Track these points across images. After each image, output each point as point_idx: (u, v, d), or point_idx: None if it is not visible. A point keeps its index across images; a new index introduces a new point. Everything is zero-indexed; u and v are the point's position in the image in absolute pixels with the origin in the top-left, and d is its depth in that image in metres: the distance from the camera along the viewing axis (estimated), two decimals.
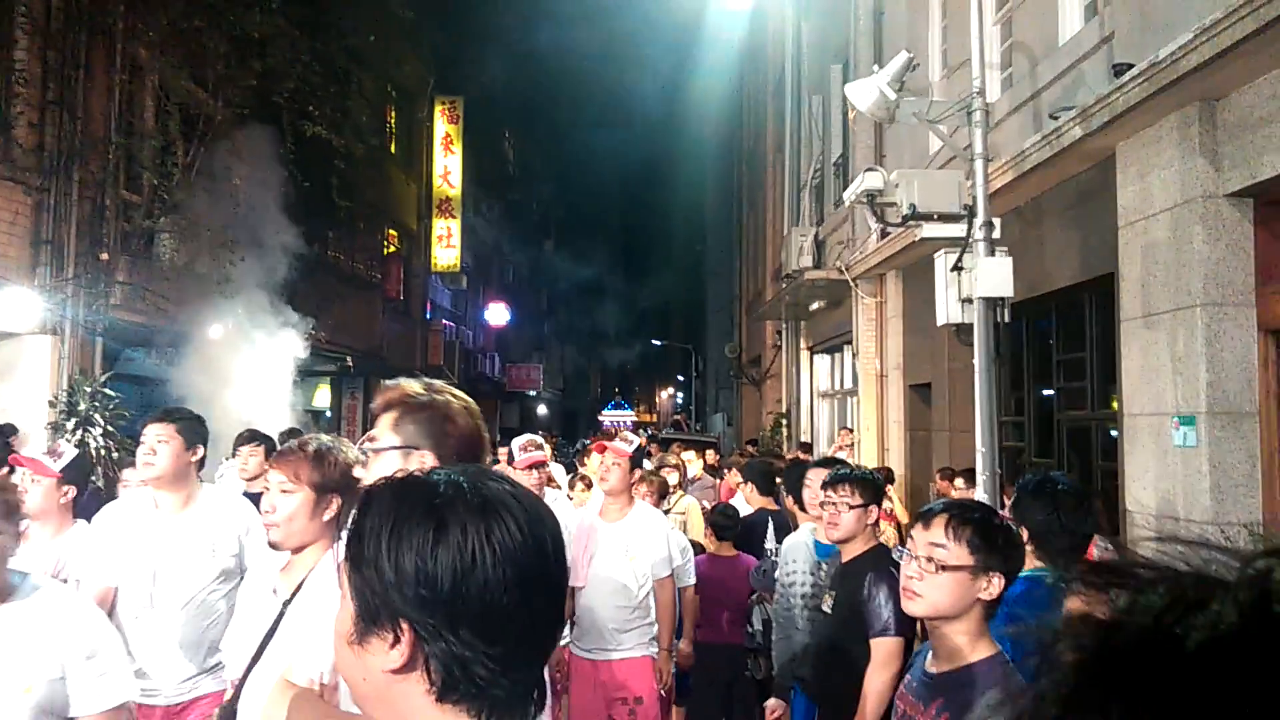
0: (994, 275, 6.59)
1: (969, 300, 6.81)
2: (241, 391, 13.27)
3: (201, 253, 12.18)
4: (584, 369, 66.27)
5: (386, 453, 2.14)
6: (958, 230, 6.93)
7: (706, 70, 29.50)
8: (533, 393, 44.18)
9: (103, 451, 10.09)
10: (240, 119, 12.81)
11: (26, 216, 10.66)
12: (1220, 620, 0.45)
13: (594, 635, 4.93)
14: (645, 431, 34.33)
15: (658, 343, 49.03)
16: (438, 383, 2.26)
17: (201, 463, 4.05)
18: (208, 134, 12.24)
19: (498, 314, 37.64)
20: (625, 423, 45.55)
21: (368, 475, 2.15)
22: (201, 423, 4.16)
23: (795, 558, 4.46)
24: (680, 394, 56.91)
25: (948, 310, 6.95)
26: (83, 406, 10.34)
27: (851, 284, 11.80)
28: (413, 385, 2.23)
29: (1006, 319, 6.83)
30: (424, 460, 2.10)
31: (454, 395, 2.25)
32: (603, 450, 5.13)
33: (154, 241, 11.91)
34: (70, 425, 10.25)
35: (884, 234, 10.48)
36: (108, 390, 10.66)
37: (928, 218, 6.91)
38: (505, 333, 40.09)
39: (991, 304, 6.67)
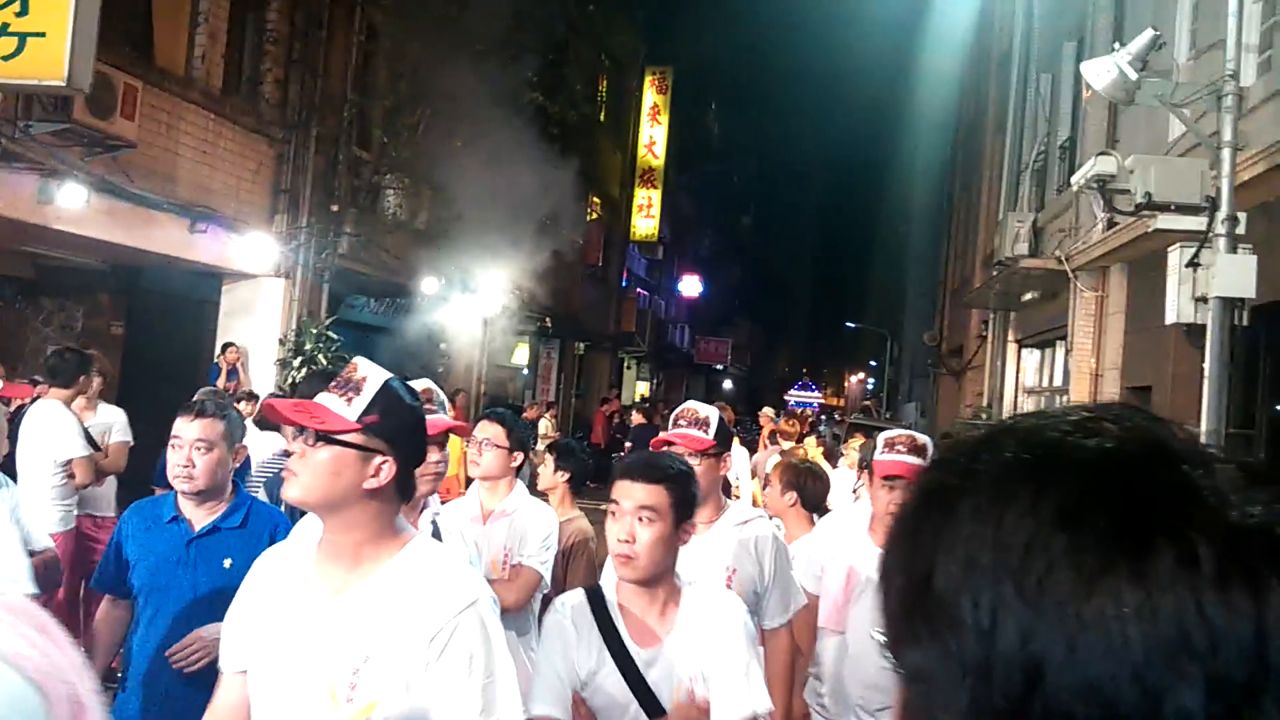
0: (1234, 274, 6.10)
1: (1203, 299, 6.34)
2: (450, 345, 13.92)
3: (421, 210, 12.82)
4: (772, 346, 65.89)
5: None
6: (1197, 223, 6.44)
7: (926, 49, 28.48)
8: (719, 367, 44.32)
9: None
10: (463, 85, 13.36)
11: (268, 167, 11.53)
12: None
13: (853, 700, 3.43)
14: (834, 416, 33.76)
15: (851, 325, 48.07)
16: None
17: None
18: (434, 96, 12.84)
19: (691, 286, 37.88)
20: (811, 405, 44.95)
21: None
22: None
23: None
24: (871, 380, 55.66)
25: (1178, 309, 6.51)
26: (308, 346, 11.14)
27: (1070, 275, 11.16)
28: None
29: (1244, 322, 6.32)
30: None
31: None
32: (897, 476, 3.31)
33: (379, 196, 12.63)
34: (296, 363, 11.07)
35: (1111, 224, 9.85)
36: (331, 333, 11.44)
37: (1164, 208, 6.44)
38: (697, 305, 40.31)
39: (1229, 305, 6.18)
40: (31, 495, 4.69)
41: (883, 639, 0.59)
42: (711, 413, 3.31)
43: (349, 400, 1.92)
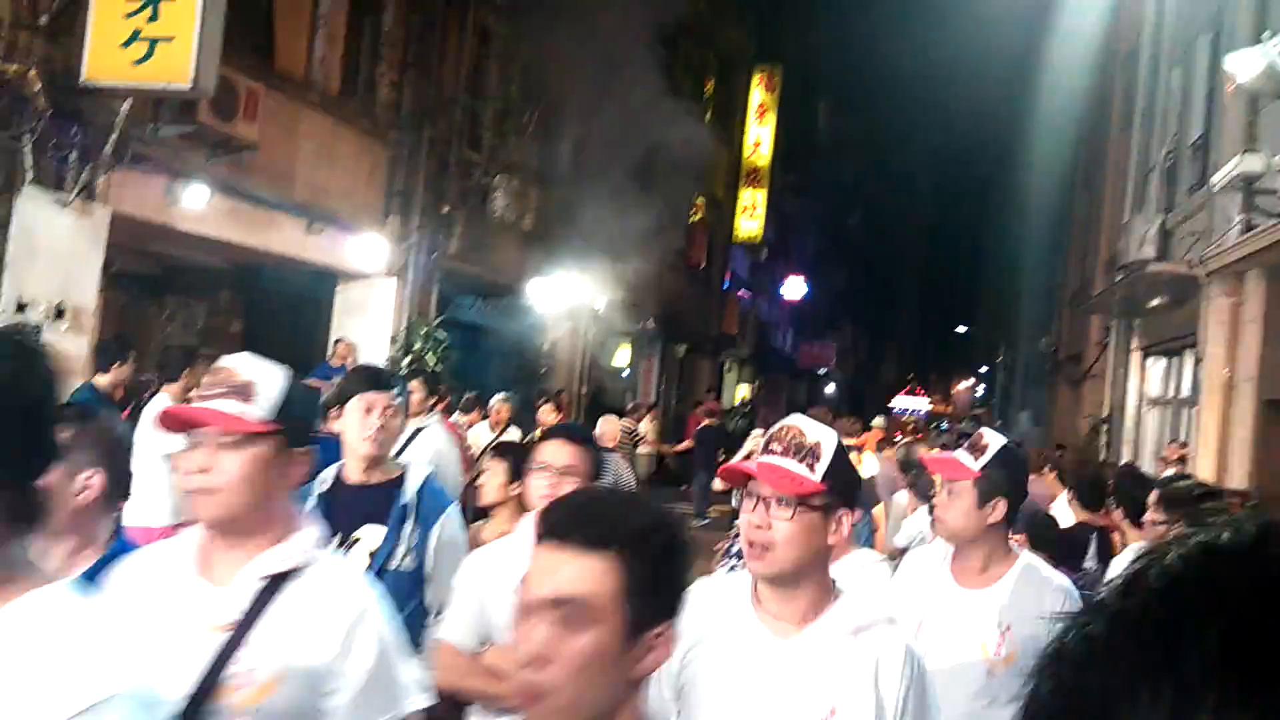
0: None
1: None
2: (554, 346, 13.93)
3: (528, 211, 12.91)
4: (878, 351, 64.70)
5: None
6: None
7: (1048, 45, 27.55)
8: (823, 371, 43.70)
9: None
10: (572, 87, 13.41)
11: (382, 169, 11.75)
12: None
13: None
14: (941, 425, 32.93)
15: (962, 329, 46.86)
16: None
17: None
18: (543, 99, 12.93)
19: (795, 288, 37.38)
20: (919, 412, 43.95)
21: None
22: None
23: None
24: (981, 387, 54.21)
25: None
26: (418, 346, 11.32)
27: (1203, 281, 10.57)
28: None
29: None
30: None
31: None
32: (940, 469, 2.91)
33: (488, 198, 12.76)
34: (405, 361, 11.25)
35: (1249, 226, 9.28)
36: (439, 333, 11.61)
37: None
38: (800, 307, 39.79)
39: None
40: (143, 488, 4.86)
41: None
42: (825, 438, 1.97)
43: None
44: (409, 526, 2.92)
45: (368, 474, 2.98)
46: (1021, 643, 2.62)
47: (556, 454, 2.71)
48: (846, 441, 6.64)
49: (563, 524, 1.35)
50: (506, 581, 2.43)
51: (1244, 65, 6.19)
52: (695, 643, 1.93)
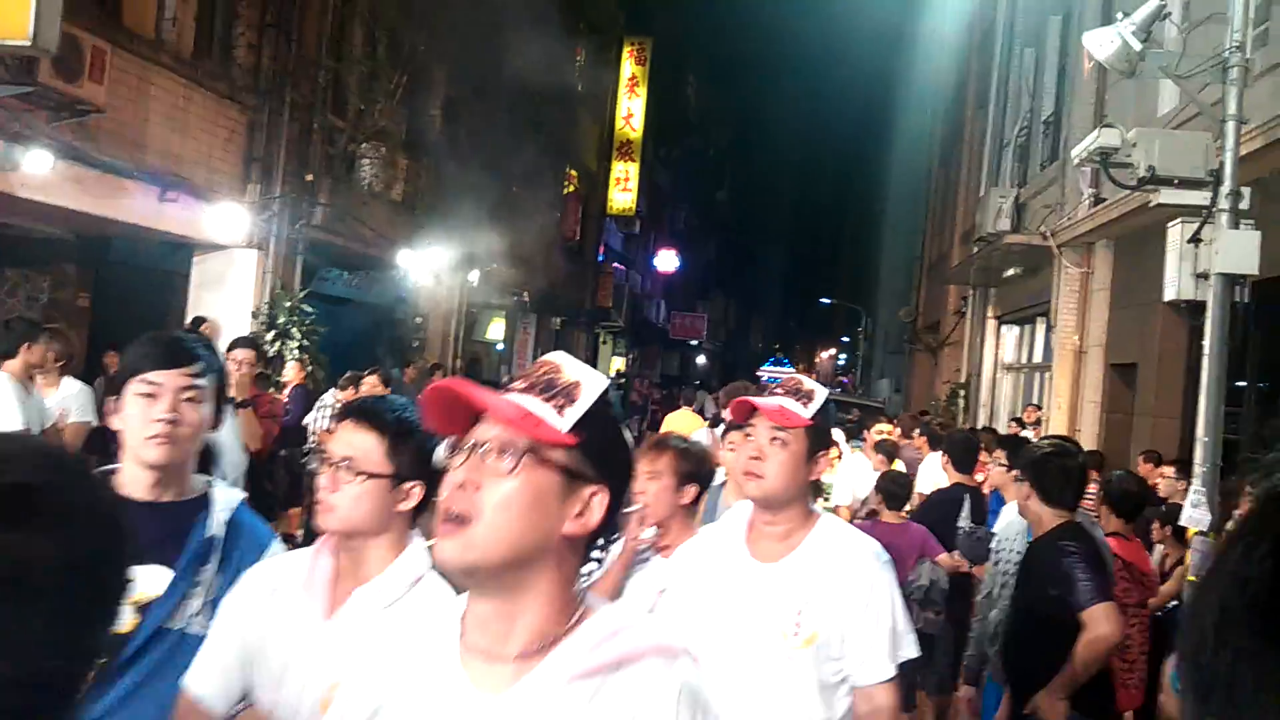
0: (1238, 250, 6.02)
1: (1204, 276, 6.27)
2: (426, 319, 13.60)
3: (397, 180, 12.53)
4: (746, 322, 65.87)
5: None
6: (1199, 198, 6.36)
7: (908, 24, 28.35)
8: (694, 342, 44.24)
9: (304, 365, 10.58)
10: (440, 52, 13.03)
11: (241, 135, 11.19)
12: None
13: None
14: None
15: (826, 301, 48.12)
16: None
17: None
18: (411, 63, 12.52)
19: (667, 261, 37.68)
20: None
21: None
22: None
23: (1009, 537, 4.22)
24: (844, 355, 55.85)
25: (1179, 285, 6.42)
26: (281, 319, 10.88)
27: (1055, 251, 11.11)
28: None
29: (1245, 299, 6.27)
30: None
31: None
32: (744, 413, 2.39)
33: (354, 166, 12.32)
34: (269, 337, 10.80)
35: (1098, 199, 9.78)
36: (305, 306, 11.18)
37: (1167, 182, 6.34)
38: (673, 280, 40.14)
39: (1230, 281, 6.11)
40: None
41: None
42: (588, 379, 1.34)
43: None
44: (209, 570, 1.96)
45: (154, 489, 1.97)
46: (823, 620, 2.26)
47: (336, 442, 1.91)
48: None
49: None
50: (280, 615, 1.85)
51: (1100, 43, 6.44)
52: (381, 706, 1.29)
